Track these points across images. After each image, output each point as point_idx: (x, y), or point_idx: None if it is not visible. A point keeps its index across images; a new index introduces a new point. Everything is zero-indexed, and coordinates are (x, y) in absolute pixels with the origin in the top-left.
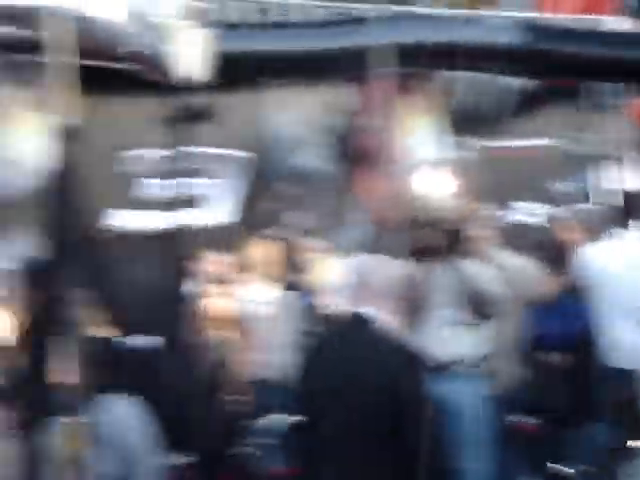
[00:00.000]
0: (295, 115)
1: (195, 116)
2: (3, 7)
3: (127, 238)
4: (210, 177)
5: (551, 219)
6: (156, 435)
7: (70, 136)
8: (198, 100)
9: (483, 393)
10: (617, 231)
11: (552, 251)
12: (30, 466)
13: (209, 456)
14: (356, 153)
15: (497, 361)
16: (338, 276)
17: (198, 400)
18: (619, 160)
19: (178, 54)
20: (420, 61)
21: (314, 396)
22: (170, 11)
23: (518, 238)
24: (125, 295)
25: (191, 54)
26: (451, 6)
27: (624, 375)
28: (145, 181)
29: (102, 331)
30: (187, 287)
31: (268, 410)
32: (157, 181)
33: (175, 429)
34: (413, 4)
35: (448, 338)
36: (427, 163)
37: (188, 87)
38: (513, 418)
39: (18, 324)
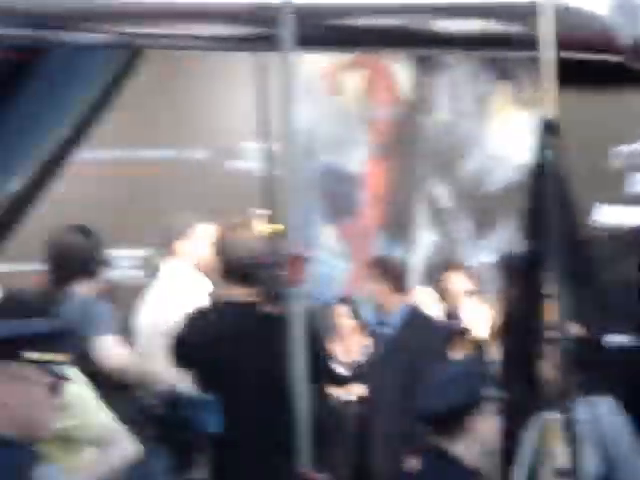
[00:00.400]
0: None
1: None
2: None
3: (615, 235)
4: None
5: None
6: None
7: (552, 131)
8: None
9: None
10: None
11: None
12: None
13: None
14: None
15: None
16: None
17: None
18: None
19: None
20: None
21: None
22: None
23: None
24: (611, 293)
25: None
26: None
27: None
28: (637, 176)
29: (583, 330)
30: None
31: None
32: None
33: None
34: None
35: None
36: None
37: None
38: None
39: (494, 318)
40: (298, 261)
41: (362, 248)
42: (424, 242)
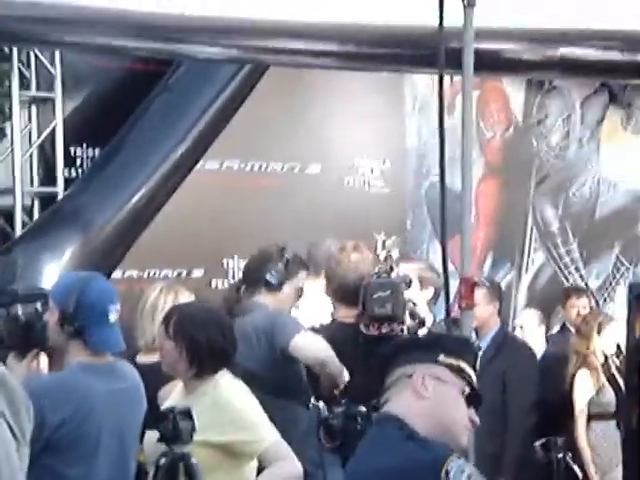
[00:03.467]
0: None
1: None
2: None
3: None
4: None
5: None
6: None
7: None
8: None
9: None
10: None
11: None
12: None
13: None
14: None
15: None
16: None
17: None
18: None
19: None
20: None
21: None
22: None
23: None
24: None
25: None
26: None
27: None
28: None
29: None
30: None
31: None
32: None
33: None
34: None
35: None
36: None
37: None
38: None
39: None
40: (470, 284)
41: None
42: (533, 264)
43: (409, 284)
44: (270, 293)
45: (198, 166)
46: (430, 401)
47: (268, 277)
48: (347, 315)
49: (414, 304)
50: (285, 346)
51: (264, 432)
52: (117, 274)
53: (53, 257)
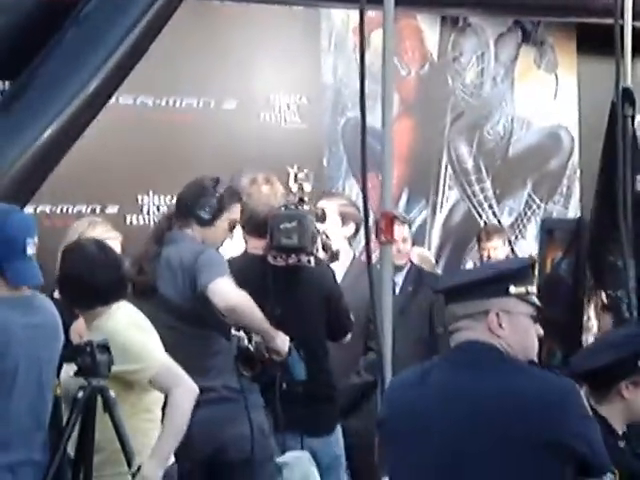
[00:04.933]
0: None
1: None
2: None
3: None
4: None
5: None
6: None
7: (629, 99)
8: None
9: None
10: None
11: None
12: None
13: None
14: None
15: None
16: None
17: None
18: None
19: None
20: None
21: None
22: None
23: None
24: None
25: None
26: None
27: None
28: None
29: None
30: None
31: None
32: None
33: None
34: None
35: None
36: None
37: None
38: None
39: None
40: (389, 219)
41: None
42: (447, 202)
43: (322, 217)
44: (202, 227)
45: (112, 101)
46: (506, 337)
47: (200, 213)
48: (257, 246)
49: (327, 237)
50: (202, 288)
51: (150, 360)
52: (29, 209)
53: None
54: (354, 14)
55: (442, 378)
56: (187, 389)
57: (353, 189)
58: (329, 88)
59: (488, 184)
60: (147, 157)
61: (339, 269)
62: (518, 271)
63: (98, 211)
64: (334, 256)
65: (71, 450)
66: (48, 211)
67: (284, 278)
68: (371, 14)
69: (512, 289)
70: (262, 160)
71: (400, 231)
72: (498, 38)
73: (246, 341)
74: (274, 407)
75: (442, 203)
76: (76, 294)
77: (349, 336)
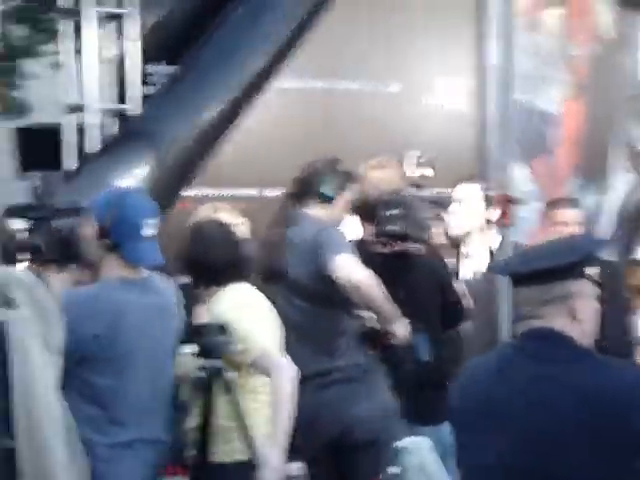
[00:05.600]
0: None
1: None
2: None
3: None
4: None
5: None
6: None
7: None
8: None
9: None
10: None
11: None
12: None
13: None
14: None
15: None
16: None
17: None
18: None
19: None
20: None
21: None
22: None
23: None
24: None
25: None
26: None
27: None
28: None
29: None
30: None
31: None
32: None
33: None
34: None
35: None
36: None
37: None
38: None
39: None
40: (506, 202)
41: (555, 189)
42: (619, 185)
43: (443, 205)
44: (323, 205)
45: (275, 85)
46: (584, 323)
47: (323, 190)
48: (370, 232)
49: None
50: (325, 264)
51: (252, 343)
52: (191, 192)
53: (124, 175)
54: None
55: (522, 370)
56: (286, 374)
57: (520, 172)
58: (494, 70)
59: None
60: (310, 140)
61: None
62: (592, 251)
63: (257, 194)
64: (454, 243)
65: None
66: (210, 195)
67: (392, 266)
68: None
69: (587, 272)
70: (424, 143)
71: (570, 214)
72: None
73: (372, 321)
74: (399, 387)
75: (615, 186)
76: (193, 274)
77: (463, 324)
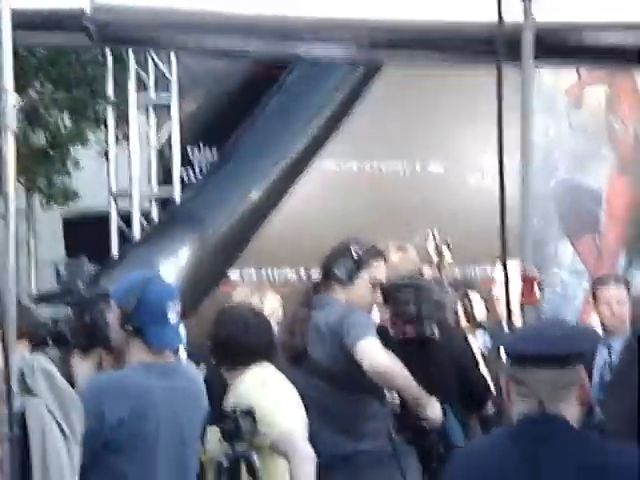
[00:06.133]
0: None
1: None
2: None
3: None
4: None
5: None
6: None
7: None
8: None
9: None
10: None
11: None
12: None
13: None
14: None
15: None
16: None
17: None
18: None
19: None
20: None
21: None
22: None
23: None
24: None
25: None
26: None
27: None
28: None
29: None
30: None
31: None
32: None
33: None
34: None
35: None
36: None
37: None
38: None
39: None
40: (531, 281)
41: (602, 267)
42: None
43: (466, 283)
44: (343, 288)
45: (318, 165)
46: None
47: (337, 272)
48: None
49: (470, 305)
50: (349, 348)
51: (272, 426)
52: (235, 273)
53: (169, 259)
54: (565, 73)
55: (528, 455)
56: (304, 458)
57: (566, 249)
58: (539, 149)
59: None
60: (350, 221)
61: None
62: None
63: (304, 274)
64: (477, 323)
65: None
66: (255, 276)
67: (408, 350)
68: (590, 73)
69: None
70: (468, 223)
71: (615, 292)
72: None
73: (400, 406)
74: (433, 472)
75: None
76: (217, 356)
77: (489, 405)
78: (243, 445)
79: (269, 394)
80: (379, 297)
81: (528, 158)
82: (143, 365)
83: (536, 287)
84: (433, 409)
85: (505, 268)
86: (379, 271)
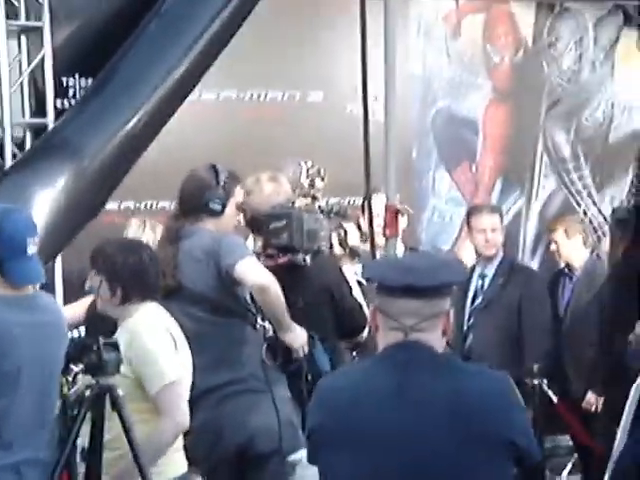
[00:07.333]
0: None
1: None
2: None
3: None
4: None
5: None
6: None
7: None
8: None
9: None
10: None
11: None
12: None
13: None
14: None
15: None
16: None
17: None
18: None
19: None
20: None
21: None
22: None
23: None
24: None
25: None
26: None
27: None
28: None
29: None
30: None
31: None
32: None
33: None
34: None
35: None
36: None
37: None
38: None
39: None
40: (393, 213)
41: (478, 196)
42: (543, 190)
43: (340, 213)
44: (214, 218)
45: (195, 96)
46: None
47: (211, 205)
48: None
49: (345, 233)
50: (231, 269)
51: (153, 377)
52: (113, 205)
53: (44, 188)
54: (444, 1)
55: (392, 380)
56: (174, 423)
57: (444, 180)
58: (418, 78)
59: (587, 172)
60: (230, 152)
61: None
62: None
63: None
64: (353, 253)
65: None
66: (132, 207)
67: (279, 278)
68: (462, 1)
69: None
70: (346, 153)
71: (489, 220)
72: (597, 22)
73: (272, 331)
74: (301, 399)
75: (538, 192)
76: (126, 281)
77: (365, 333)
78: (106, 378)
79: (160, 338)
80: (242, 221)
81: (391, 86)
82: (2, 300)
83: (400, 218)
84: (299, 337)
85: (369, 200)
86: (240, 196)
